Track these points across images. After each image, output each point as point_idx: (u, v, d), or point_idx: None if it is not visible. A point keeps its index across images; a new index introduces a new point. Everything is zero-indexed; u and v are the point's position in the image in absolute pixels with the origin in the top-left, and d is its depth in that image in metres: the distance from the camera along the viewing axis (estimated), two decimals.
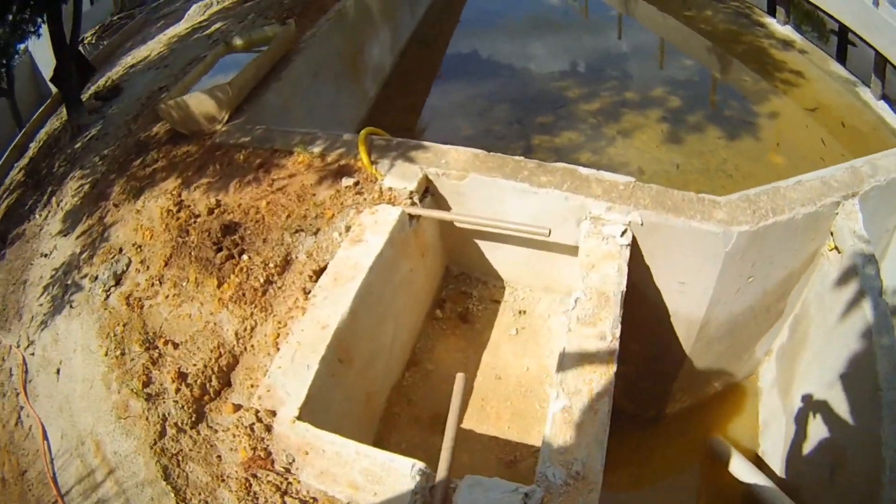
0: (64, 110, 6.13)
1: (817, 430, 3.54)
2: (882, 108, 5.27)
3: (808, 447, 3.62)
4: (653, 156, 5.46)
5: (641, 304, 3.74)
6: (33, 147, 6.43)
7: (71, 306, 4.11)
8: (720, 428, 4.70)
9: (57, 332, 4.04)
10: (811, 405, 3.65)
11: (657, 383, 4.58)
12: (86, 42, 7.00)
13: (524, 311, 4.32)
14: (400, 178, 3.87)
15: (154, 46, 6.68)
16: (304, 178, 3.98)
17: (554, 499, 2.54)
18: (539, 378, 3.99)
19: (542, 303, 4.34)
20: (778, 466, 4.00)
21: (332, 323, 3.24)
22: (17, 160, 6.38)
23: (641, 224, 3.36)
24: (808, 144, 5.51)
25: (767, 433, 4.36)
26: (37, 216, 5.22)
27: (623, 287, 3.15)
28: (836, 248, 3.44)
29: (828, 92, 5.75)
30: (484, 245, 4.19)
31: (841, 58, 5.91)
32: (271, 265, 3.55)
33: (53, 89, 6.70)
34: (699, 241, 3.31)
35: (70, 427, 3.51)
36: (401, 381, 4.02)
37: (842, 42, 5.83)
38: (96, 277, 4.13)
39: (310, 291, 3.43)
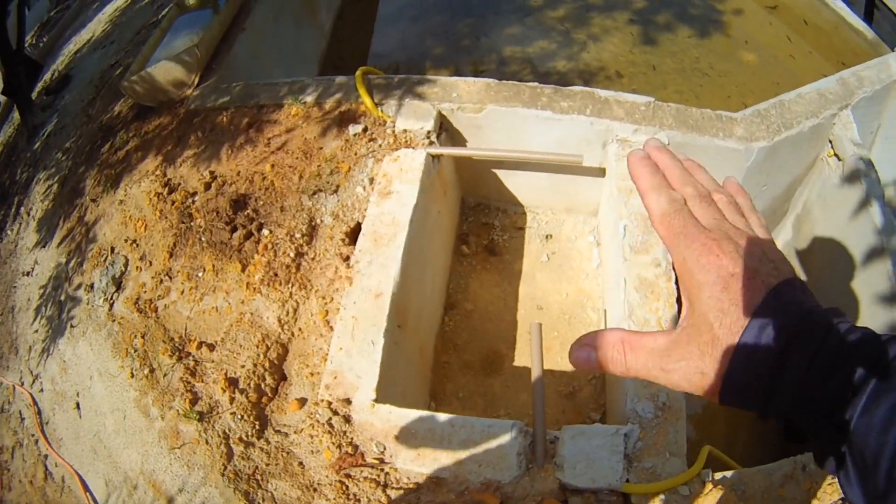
0: (16, 115, 4.80)
1: None
2: (840, 6, 4.68)
3: None
4: (627, 59, 4.70)
5: None
6: None
7: (72, 325, 3.09)
8: None
9: (63, 359, 3.05)
10: (826, 304, 3.40)
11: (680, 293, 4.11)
12: (27, 45, 5.53)
13: (550, 236, 3.60)
14: (412, 117, 3.02)
15: (95, 27, 5.30)
16: (304, 131, 3.00)
17: (648, 432, 2.20)
18: (580, 303, 3.37)
19: (567, 225, 3.62)
20: None
21: (385, 290, 2.48)
22: None
23: (668, 143, 2.95)
24: (775, 42, 4.89)
25: None
26: (8, 233, 4.03)
27: None
28: (836, 154, 3.26)
29: None
30: (502, 174, 3.46)
31: None
32: (297, 235, 2.63)
33: (1, 99, 5.30)
34: (722, 158, 3.00)
35: (112, 470, 2.60)
36: (443, 328, 3.30)
37: None
38: (92, 286, 3.11)
39: (349, 257, 2.55)
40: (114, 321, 2.94)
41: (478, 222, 3.62)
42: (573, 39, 4.80)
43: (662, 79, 4.48)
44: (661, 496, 2.10)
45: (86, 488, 2.76)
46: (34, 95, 4.74)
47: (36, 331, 3.37)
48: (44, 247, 3.60)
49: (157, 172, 3.16)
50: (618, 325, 2.61)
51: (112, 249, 3.15)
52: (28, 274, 3.65)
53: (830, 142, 3.30)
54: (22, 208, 3.98)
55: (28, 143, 4.40)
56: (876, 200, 3.02)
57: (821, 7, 4.79)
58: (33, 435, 3.08)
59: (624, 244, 2.63)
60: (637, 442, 2.21)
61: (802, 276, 3.77)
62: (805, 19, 4.84)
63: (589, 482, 2.09)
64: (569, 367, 3.08)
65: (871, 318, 3.05)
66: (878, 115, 3.59)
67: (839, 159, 3.26)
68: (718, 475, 2.13)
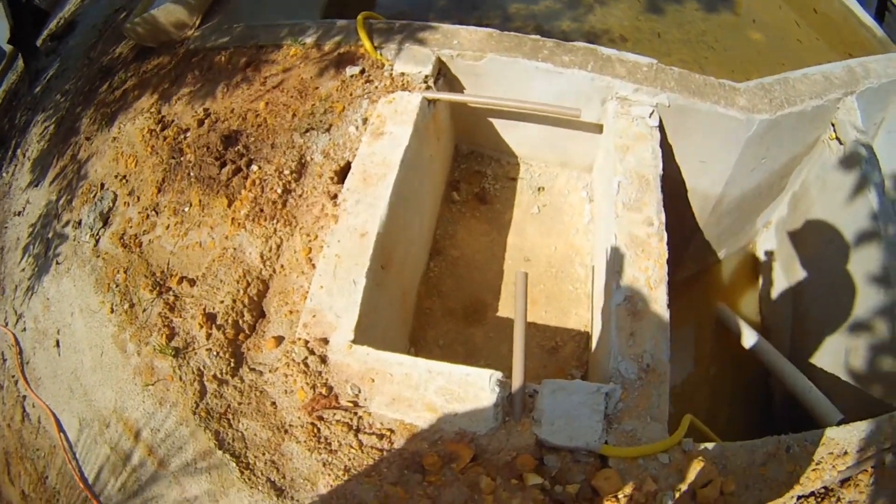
0: (20, 63, 4.67)
1: (829, 308, 3.26)
2: (851, 1, 4.47)
3: (820, 326, 3.33)
4: (633, 24, 4.51)
5: (662, 180, 3.19)
6: None
7: (57, 262, 2.95)
8: (721, 294, 4.20)
9: (46, 296, 2.90)
10: (820, 282, 3.44)
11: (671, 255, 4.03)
12: None
13: (543, 188, 3.43)
14: (411, 62, 2.85)
15: None
16: (301, 71, 2.84)
17: (630, 393, 2.09)
18: (568, 258, 3.19)
19: (560, 179, 3.45)
20: (780, 336, 3.78)
21: (371, 229, 2.32)
22: None
23: (668, 106, 2.82)
24: (783, 25, 4.69)
25: (768, 303, 4.03)
26: (2, 174, 3.88)
27: (660, 170, 2.63)
28: (837, 138, 3.17)
29: None
30: (498, 123, 3.29)
31: None
32: (286, 172, 2.48)
33: (7, 48, 5.17)
34: (722, 125, 2.88)
35: (87, 409, 2.48)
36: (427, 273, 3.14)
37: None
38: (80, 222, 2.97)
39: (337, 196, 2.40)
40: (98, 257, 2.79)
41: (470, 170, 3.44)
42: (580, 1, 4.58)
43: (667, 47, 4.27)
44: (640, 461, 1.95)
45: (60, 428, 2.63)
46: (39, 42, 4.61)
47: (23, 269, 3.23)
48: (36, 186, 3.46)
49: (152, 110, 3.01)
50: (605, 281, 2.47)
51: (102, 185, 3.00)
52: (20, 214, 3.51)
53: (833, 125, 3.18)
54: (18, 150, 3.84)
55: (29, 88, 4.26)
56: (874, 186, 2.92)
57: None
58: (14, 376, 2.94)
59: (617, 201, 2.49)
60: (618, 403, 2.05)
61: (796, 253, 3.67)
62: (815, 8, 4.64)
63: (566, 440, 1.96)
64: (552, 322, 2.93)
65: (865, 298, 2.92)
66: (884, 108, 3.48)
67: (840, 143, 3.16)
68: (700, 446, 1.99)
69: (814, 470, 2.01)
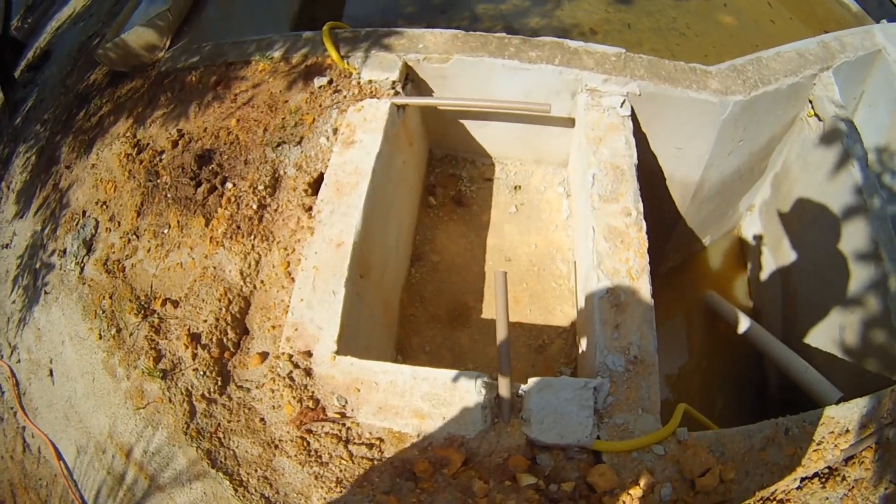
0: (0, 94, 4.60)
1: (819, 287, 3.23)
2: None
3: (812, 305, 3.29)
4: (602, 17, 4.45)
5: (638, 170, 3.10)
6: None
7: (46, 292, 2.91)
8: (709, 281, 4.15)
9: (38, 326, 2.86)
10: (808, 262, 3.38)
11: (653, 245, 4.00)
12: (13, 28, 5.35)
13: (519, 187, 3.37)
14: (378, 68, 2.80)
15: (76, 2, 5.06)
16: (270, 85, 2.79)
17: (619, 386, 2.03)
18: (549, 254, 3.13)
19: (536, 176, 3.39)
20: (771, 319, 3.73)
21: (347, 239, 2.27)
22: None
23: (639, 94, 2.76)
24: (756, 6, 4.64)
25: (758, 286, 3.97)
26: None
27: (635, 160, 2.56)
28: (816, 114, 3.10)
29: None
30: (470, 124, 3.23)
31: None
32: (260, 187, 2.43)
33: None
34: (696, 110, 2.81)
35: (83, 436, 2.44)
36: (409, 280, 3.08)
37: None
38: (65, 251, 2.92)
39: (311, 207, 2.35)
40: (84, 284, 2.75)
41: (445, 173, 3.37)
42: None
43: (638, 37, 4.22)
44: (634, 454, 1.90)
45: (59, 456, 2.60)
46: (17, 74, 4.56)
47: (13, 301, 3.18)
48: (21, 217, 3.41)
49: (128, 134, 2.95)
50: (587, 275, 2.41)
51: (84, 213, 2.95)
52: (7, 246, 3.47)
53: (811, 102, 3.11)
54: (2, 183, 3.80)
55: (9, 120, 4.20)
56: (856, 160, 2.85)
57: None
58: (12, 408, 2.90)
59: (593, 193, 2.43)
60: (608, 396, 2.00)
61: (783, 234, 3.58)
62: None
63: (557, 438, 1.91)
64: (537, 320, 2.87)
65: (855, 273, 2.85)
66: (862, 82, 3.41)
67: (819, 119, 3.08)
68: (695, 435, 1.94)
69: (815, 450, 1.95)
